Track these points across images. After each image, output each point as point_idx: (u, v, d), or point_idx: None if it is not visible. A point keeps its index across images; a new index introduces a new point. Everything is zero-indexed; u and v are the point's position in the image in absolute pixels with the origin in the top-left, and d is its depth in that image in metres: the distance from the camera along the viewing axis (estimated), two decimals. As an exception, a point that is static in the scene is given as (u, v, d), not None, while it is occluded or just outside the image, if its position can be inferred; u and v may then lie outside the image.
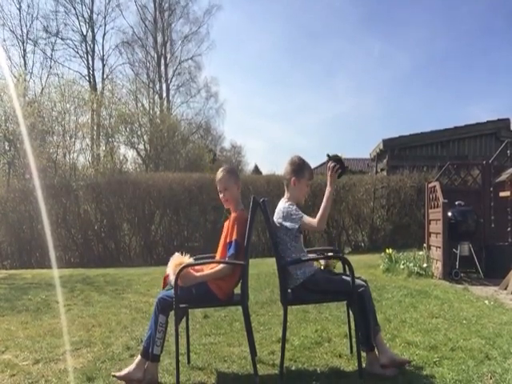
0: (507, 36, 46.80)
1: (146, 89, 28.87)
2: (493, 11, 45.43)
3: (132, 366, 2.79)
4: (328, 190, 2.87)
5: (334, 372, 2.84)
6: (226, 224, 3.02)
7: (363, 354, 2.81)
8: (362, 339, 2.82)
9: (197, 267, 2.89)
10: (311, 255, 3.15)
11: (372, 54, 48.72)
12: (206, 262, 2.99)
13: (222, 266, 2.82)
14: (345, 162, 2.90)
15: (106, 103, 18.47)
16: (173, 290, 2.71)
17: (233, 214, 2.96)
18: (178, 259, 2.85)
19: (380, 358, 2.81)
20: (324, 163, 26.42)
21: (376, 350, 2.82)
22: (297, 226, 2.86)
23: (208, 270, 2.87)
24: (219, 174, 3.03)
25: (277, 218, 2.96)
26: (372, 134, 54.45)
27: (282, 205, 2.98)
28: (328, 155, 2.91)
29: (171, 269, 2.82)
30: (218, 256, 3.00)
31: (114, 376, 2.79)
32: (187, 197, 11.78)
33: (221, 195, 3.02)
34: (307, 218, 2.89)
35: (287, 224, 2.87)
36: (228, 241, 2.87)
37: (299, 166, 3.01)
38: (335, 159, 2.87)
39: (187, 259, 2.87)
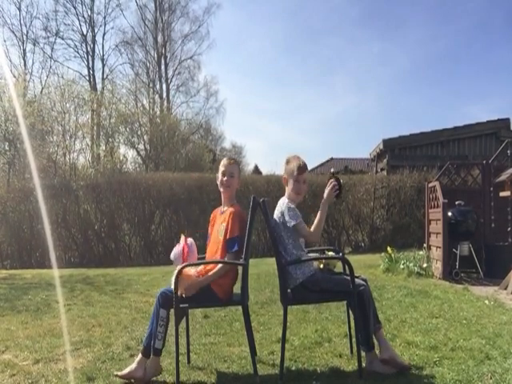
0: (507, 35, 46.83)
1: (146, 89, 28.90)
2: (493, 10, 45.46)
3: (133, 365, 2.80)
4: (323, 203, 2.93)
5: (334, 372, 2.84)
6: (216, 215, 3.07)
7: (363, 354, 2.81)
8: (361, 339, 2.82)
9: (199, 269, 2.86)
10: (311, 255, 3.15)
11: (371, 53, 48.75)
12: (206, 262, 2.97)
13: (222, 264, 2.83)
14: (343, 186, 3.04)
15: (106, 103, 18.43)
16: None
17: (230, 209, 2.96)
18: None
19: (381, 353, 2.81)
20: (324, 163, 26.49)
21: (376, 347, 2.82)
22: (293, 223, 2.85)
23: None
24: (228, 160, 3.08)
25: (277, 212, 2.98)
26: (372, 134, 54.49)
27: (282, 201, 3.00)
28: (332, 173, 3.04)
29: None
30: (213, 252, 2.98)
31: (116, 375, 2.79)
32: (187, 197, 11.78)
33: (224, 178, 3.01)
34: (304, 225, 2.91)
35: (286, 217, 2.87)
36: (229, 237, 2.86)
37: (287, 163, 3.05)
38: (337, 179, 2.96)
39: (192, 271, 2.82)
